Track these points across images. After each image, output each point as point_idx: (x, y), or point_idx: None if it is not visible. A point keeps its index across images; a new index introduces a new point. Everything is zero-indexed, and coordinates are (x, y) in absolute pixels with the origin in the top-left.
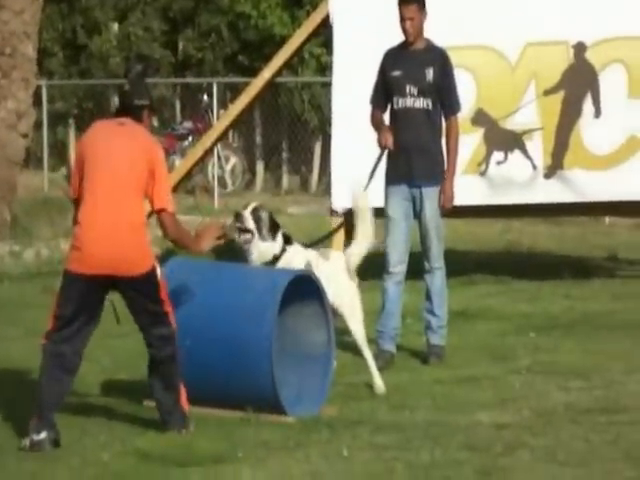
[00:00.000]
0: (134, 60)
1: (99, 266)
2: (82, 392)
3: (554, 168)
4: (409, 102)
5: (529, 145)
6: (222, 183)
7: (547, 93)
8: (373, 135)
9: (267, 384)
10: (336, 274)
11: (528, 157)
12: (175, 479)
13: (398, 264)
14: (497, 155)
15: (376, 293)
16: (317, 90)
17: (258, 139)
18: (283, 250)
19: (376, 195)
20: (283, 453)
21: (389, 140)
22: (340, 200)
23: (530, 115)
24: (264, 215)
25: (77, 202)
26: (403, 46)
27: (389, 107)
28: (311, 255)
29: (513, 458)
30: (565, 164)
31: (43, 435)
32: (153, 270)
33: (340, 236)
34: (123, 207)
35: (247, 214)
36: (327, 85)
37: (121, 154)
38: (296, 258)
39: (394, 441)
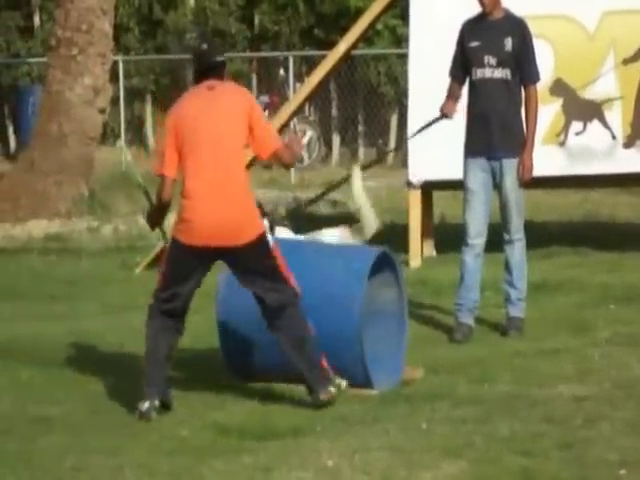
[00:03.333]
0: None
1: (211, 237)
2: None
3: (634, 138)
4: (488, 73)
5: (608, 115)
6: None
7: (626, 62)
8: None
9: (359, 372)
10: None
11: (607, 127)
12: (253, 453)
13: (477, 236)
14: (576, 125)
15: (456, 266)
16: (393, 62)
17: (334, 112)
18: None
19: (453, 167)
20: (361, 427)
21: (451, 109)
22: (417, 172)
23: (609, 84)
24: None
25: (170, 180)
26: (481, 17)
27: (468, 78)
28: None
29: (593, 430)
30: None
31: (146, 405)
32: (262, 236)
33: (416, 214)
34: (232, 176)
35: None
36: (403, 57)
37: (220, 121)
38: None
39: (473, 414)
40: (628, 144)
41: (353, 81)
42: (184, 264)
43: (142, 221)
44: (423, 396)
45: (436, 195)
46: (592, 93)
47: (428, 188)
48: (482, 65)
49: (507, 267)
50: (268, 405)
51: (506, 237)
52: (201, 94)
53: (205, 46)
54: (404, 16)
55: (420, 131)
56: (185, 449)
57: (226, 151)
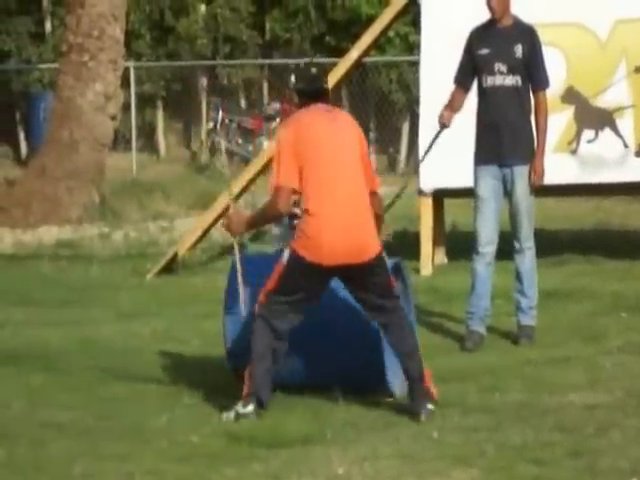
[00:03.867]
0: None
1: (336, 257)
2: (171, 373)
3: None
4: (498, 80)
5: (620, 123)
6: None
7: (638, 70)
8: (461, 114)
9: (379, 378)
10: None
11: (619, 135)
12: (264, 460)
13: (488, 244)
14: (588, 133)
15: (467, 274)
16: (405, 69)
17: None
18: None
19: (465, 175)
20: (372, 434)
21: (449, 119)
22: (428, 180)
23: (621, 93)
24: None
25: (288, 191)
26: (490, 24)
27: (477, 86)
28: None
29: (605, 439)
30: None
31: (250, 408)
32: (382, 255)
33: (428, 221)
34: (357, 197)
35: None
36: (415, 64)
37: (344, 143)
38: None
39: (484, 423)
40: None
41: (364, 88)
42: (304, 281)
43: (152, 228)
44: (434, 404)
45: (447, 203)
46: (604, 101)
47: (439, 196)
48: (492, 73)
49: (517, 276)
50: (278, 412)
51: (516, 246)
52: (322, 114)
53: (314, 70)
54: (416, 23)
55: (428, 151)
56: (195, 456)
57: (351, 172)
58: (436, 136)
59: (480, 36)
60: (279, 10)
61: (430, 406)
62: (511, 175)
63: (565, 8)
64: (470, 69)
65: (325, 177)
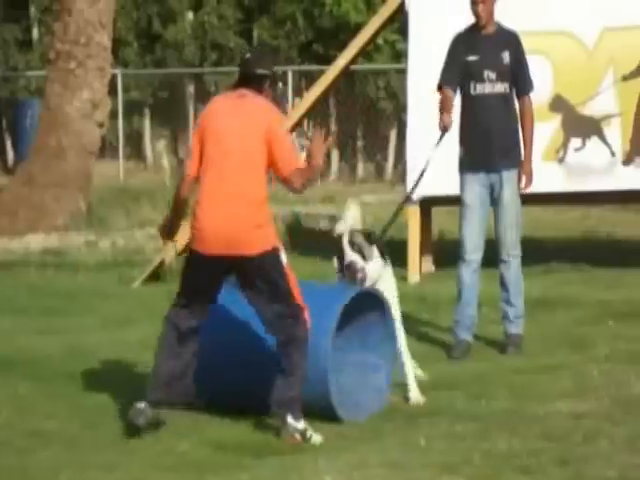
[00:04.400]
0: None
1: (216, 247)
2: None
3: (633, 154)
4: (488, 88)
5: (607, 131)
6: None
7: (625, 79)
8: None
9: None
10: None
11: (606, 143)
12: (252, 469)
13: (474, 252)
14: (575, 142)
15: (454, 282)
16: (392, 77)
17: (333, 127)
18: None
19: (452, 183)
20: (360, 443)
21: (450, 122)
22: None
23: (608, 101)
24: (359, 240)
25: (190, 179)
26: (474, 30)
27: (463, 93)
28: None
29: (592, 447)
30: None
31: (142, 405)
32: (272, 251)
33: (415, 229)
34: (237, 186)
35: (348, 250)
36: (402, 72)
37: (235, 131)
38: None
39: (472, 431)
40: (627, 161)
41: (352, 96)
42: (195, 274)
43: (139, 235)
44: (421, 412)
45: (435, 211)
46: (591, 109)
47: (427, 204)
48: (482, 80)
49: (503, 285)
50: (266, 421)
51: (502, 253)
52: (230, 100)
53: (248, 55)
54: (403, 31)
55: (432, 158)
56: (183, 465)
57: (242, 164)
58: (438, 142)
59: (466, 42)
60: (267, 18)
61: (298, 424)
62: (500, 181)
63: (552, 16)
64: (456, 73)
65: (216, 168)
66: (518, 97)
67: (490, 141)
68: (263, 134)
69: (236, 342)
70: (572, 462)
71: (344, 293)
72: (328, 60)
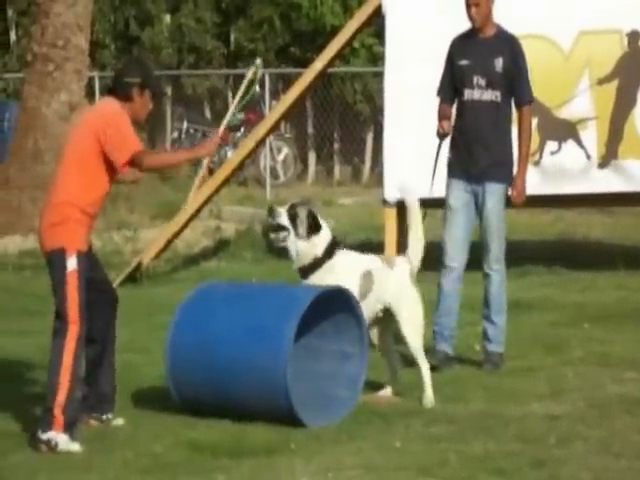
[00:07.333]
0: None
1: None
2: (135, 384)
3: (608, 158)
4: (476, 94)
5: (583, 135)
6: (274, 174)
7: (601, 82)
8: (425, 125)
9: (286, 411)
10: (402, 282)
11: (582, 147)
12: (227, 471)
13: (455, 258)
14: (551, 145)
15: (431, 284)
16: (369, 80)
17: (310, 130)
18: (328, 253)
19: (427, 186)
20: (335, 445)
21: (448, 128)
22: (392, 191)
23: (584, 104)
24: (302, 212)
25: None
26: (471, 33)
27: (458, 97)
28: (374, 264)
29: (567, 449)
30: (619, 154)
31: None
32: (57, 252)
33: (392, 231)
34: (55, 188)
35: (282, 210)
36: (379, 75)
37: (75, 136)
38: (348, 266)
39: (447, 432)
40: (603, 164)
41: (329, 99)
42: None
43: (116, 237)
44: (397, 414)
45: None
46: (567, 113)
47: (404, 206)
48: (471, 86)
49: (486, 299)
50: (242, 423)
51: (485, 268)
52: (83, 111)
53: (120, 66)
54: (380, 35)
55: (435, 167)
56: (159, 467)
57: (65, 167)
58: (438, 150)
59: (460, 46)
60: (244, 20)
61: (42, 435)
62: (483, 192)
63: (529, 20)
64: (451, 81)
65: (55, 172)
66: (516, 107)
67: (474, 150)
68: (93, 134)
69: (206, 343)
70: (547, 464)
71: (306, 297)
72: (305, 63)
